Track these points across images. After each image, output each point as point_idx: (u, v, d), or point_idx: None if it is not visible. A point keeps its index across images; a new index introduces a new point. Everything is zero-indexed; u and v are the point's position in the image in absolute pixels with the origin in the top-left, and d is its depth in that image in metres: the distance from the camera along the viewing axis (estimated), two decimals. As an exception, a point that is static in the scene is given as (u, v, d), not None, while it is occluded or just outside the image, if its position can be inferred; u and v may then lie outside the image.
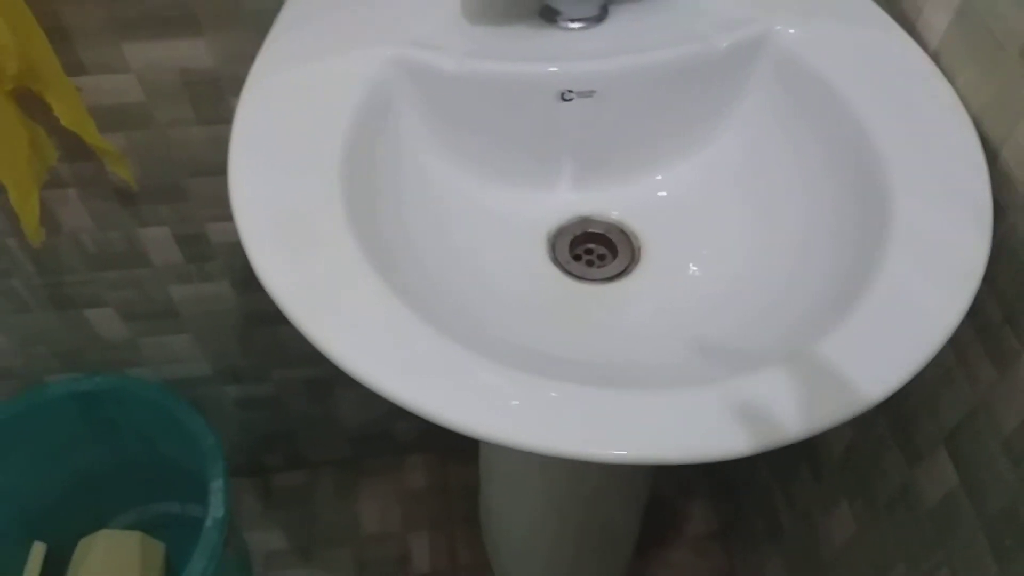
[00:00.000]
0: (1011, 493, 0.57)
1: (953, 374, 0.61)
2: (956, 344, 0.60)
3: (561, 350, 0.56)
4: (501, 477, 0.89)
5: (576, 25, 0.64)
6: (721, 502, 1.21)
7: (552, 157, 0.66)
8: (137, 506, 1.15)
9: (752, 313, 0.57)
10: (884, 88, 0.58)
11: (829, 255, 0.56)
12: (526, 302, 0.62)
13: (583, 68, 0.61)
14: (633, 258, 0.64)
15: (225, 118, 0.75)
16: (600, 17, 0.64)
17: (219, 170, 0.54)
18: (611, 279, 0.63)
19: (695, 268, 0.63)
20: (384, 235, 0.54)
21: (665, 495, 1.22)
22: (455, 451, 1.26)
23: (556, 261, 0.64)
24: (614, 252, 0.65)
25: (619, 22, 0.64)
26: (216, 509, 0.90)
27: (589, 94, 0.62)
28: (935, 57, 0.60)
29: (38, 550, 1.05)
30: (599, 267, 0.64)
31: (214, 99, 0.75)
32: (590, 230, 0.66)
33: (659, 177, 0.66)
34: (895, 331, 0.46)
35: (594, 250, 0.65)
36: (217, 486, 0.92)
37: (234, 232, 0.50)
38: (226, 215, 0.52)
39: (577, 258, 0.65)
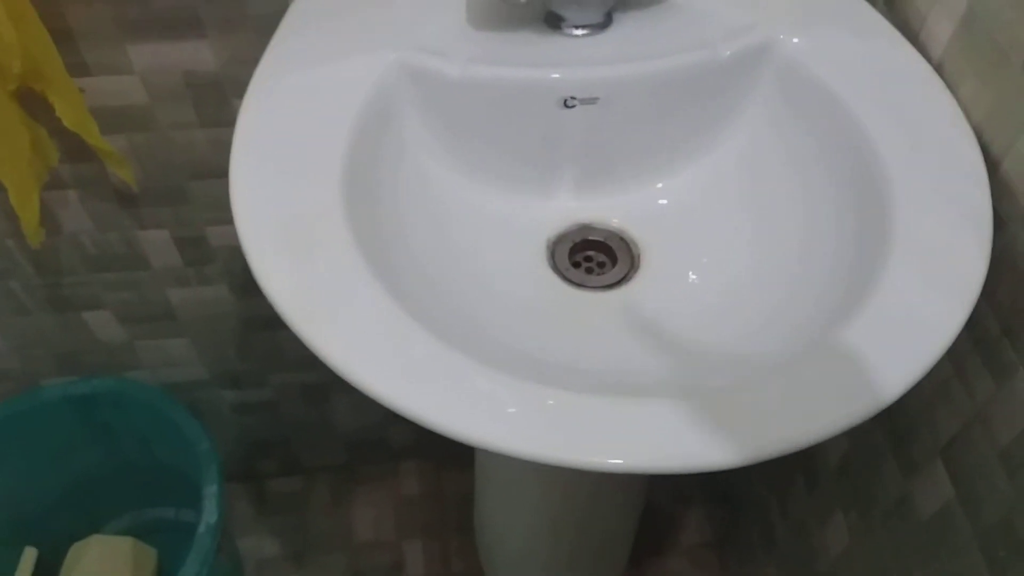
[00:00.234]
0: (1006, 505, 0.57)
1: (950, 386, 0.61)
2: (954, 356, 0.60)
3: (559, 357, 0.56)
4: (496, 485, 0.89)
5: (580, 32, 0.64)
6: (716, 511, 1.21)
7: (553, 164, 0.66)
8: (130, 511, 1.15)
9: (751, 322, 0.57)
10: (886, 98, 0.58)
11: (829, 264, 0.56)
12: (525, 309, 0.62)
13: (586, 75, 0.61)
14: (633, 266, 0.64)
15: (227, 121, 0.75)
16: (604, 24, 0.64)
17: (220, 173, 0.54)
18: (610, 287, 0.63)
19: (695, 276, 0.63)
20: (384, 240, 0.54)
21: (660, 504, 1.22)
22: (450, 458, 1.25)
23: (555, 268, 0.64)
24: (613, 260, 0.65)
25: (623, 29, 0.65)
26: (210, 514, 0.90)
27: (592, 101, 0.62)
28: (938, 67, 0.60)
29: (29, 555, 1.04)
30: (598, 274, 0.64)
31: (217, 102, 0.75)
32: (590, 237, 0.66)
33: (660, 185, 0.67)
34: (893, 342, 0.46)
35: (593, 257, 0.65)
36: (211, 491, 0.91)
37: (234, 236, 0.50)
38: (226, 219, 0.52)
39: (576, 265, 0.65)
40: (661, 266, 0.64)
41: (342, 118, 0.56)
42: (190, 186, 0.82)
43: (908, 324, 0.47)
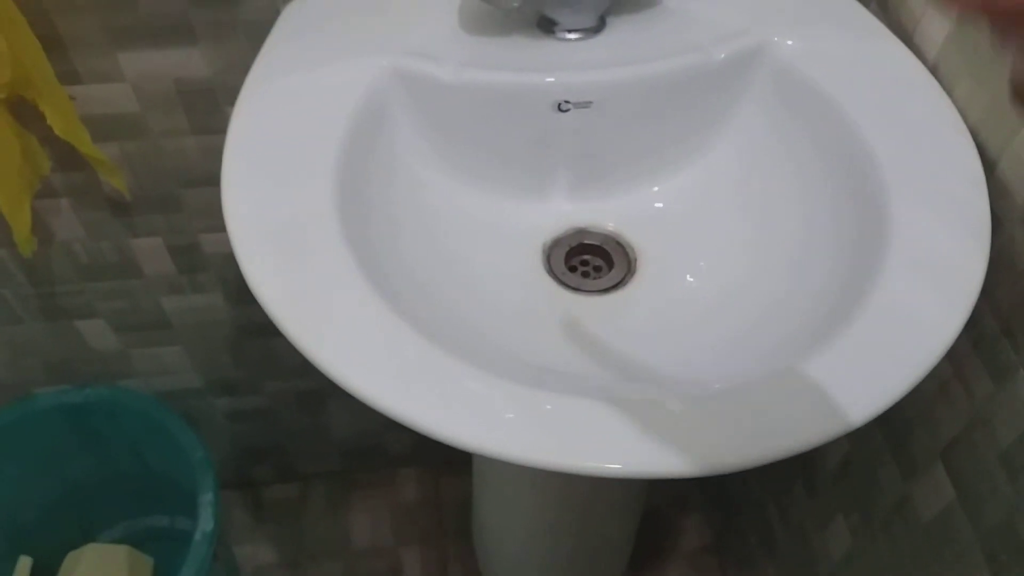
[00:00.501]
0: (1008, 507, 0.56)
1: (950, 387, 0.61)
2: (953, 357, 0.59)
3: (556, 362, 0.56)
4: (494, 490, 0.89)
5: (573, 36, 0.64)
6: (716, 515, 1.21)
7: (548, 168, 0.66)
8: (125, 520, 1.14)
9: (748, 325, 0.57)
10: (882, 100, 0.58)
11: (826, 267, 0.55)
12: (521, 313, 0.61)
13: (580, 79, 0.61)
14: (629, 269, 0.64)
15: (219, 128, 0.75)
16: (597, 28, 0.64)
17: (213, 180, 0.54)
18: (607, 291, 0.63)
19: (691, 280, 0.63)
20: (378, 245, 0.54)
21: (659, 508, 1.22)
22: (447, 464, 1.25)
23: (551, 272, 0.64)
24: (610, 263, 0.65)
25: (616, 33, 0.64)
26: (205, 523, 0.89)
27: (586, 105, 0.62)
28: (933, 69, 0.60)
29: (24, 564, 1.04)
30: (595, 278, 0.64)
31: (209, 109, 0.74)
32: (586, 241, 0.65)
33: (655, 188, 0.66)
34: (892, 344, 0.46)
35: (590, 261, 0.65)
36: (206, 499, 0.91)
37: (227, 243, 0.50)
38: (219, 226, 0.51)
39: (573, 269, 0.64)
40: (658, 270, 0.64)
41: (334, 124, 0.56)
42: (183, 194, 0.82)
43: (907, 326, 0.47)
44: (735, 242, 0.62)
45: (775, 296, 0.58)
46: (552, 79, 0.61)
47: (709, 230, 0.64)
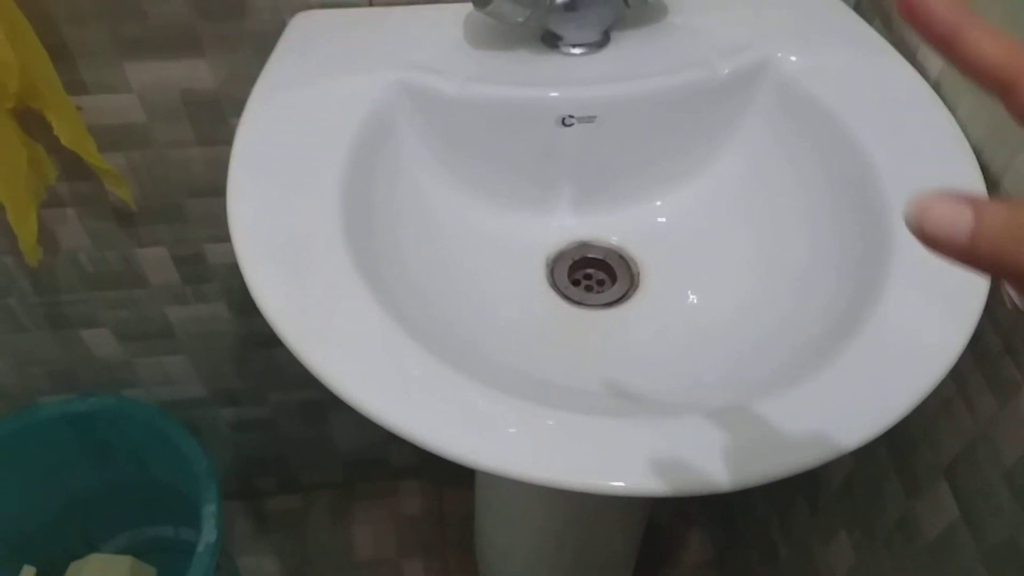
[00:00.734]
0: (1012, 526, 0.56)
1: (953, 404, 0.61)
2: (956, 374, 0.59)
3: (559, 376, 0.56)
4: (497, 504, 0.89)
5: (578, 51, 0.64)
6: (718, 530, 1.20)
7: (552, 182, 0.66)
8: (129, 529, 1.14)
9: (752, 341, 0.57)
10: (885, 117, 0.58)
11: (829, 284, 0.55)
12: (524, 327, 0.61)
13: (584, 94, 0.61)
14: (632, 284, 0.64)
15: (225, 139, 0.75)
16: (602, 43, 0.64)
17: (218, 191, 0.54)
18: (610, 305, 0.63)
19: (694, 294, 0.63)
20: (382, 258, 0.54)
21: (662, 523, 1.21)
22: (451, 477, 1.25)
23: (555, 286, 0.64)
24: (613, 278, 0.65)
25: (621, 48, 0.65)
26: (208, 533, 0.89)
27: (590, 119, 0.62)
28: (936, 86, 0.60)
29: (27, 573, 1.03)
30: (598, 292, 0.64)
31: (215, 120, 0.75)
32: (589, 255, 0.65)
33: (659, 203, 0.66)
34: (896, 362, 0.46)
35: (593, 275, 0.65)
36: (210, 510, 0.91)
37: (232, 254, 0.50)
38: (224, 236, 0.52)
39: (576, 283, 0.64)
40: (661, 284, 0.64)
41: (340, 136, 0.56)
42: (188, 204, 0.82)
43: (910, 344, 0.47)
44: (738, 257, 0.62)
45: (778, 312, 0.57)
46: (556, 94, 0.61)
47: (712, 245, 0.64)
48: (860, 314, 0.49)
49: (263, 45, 0.65)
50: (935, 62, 0.60)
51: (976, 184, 0.53)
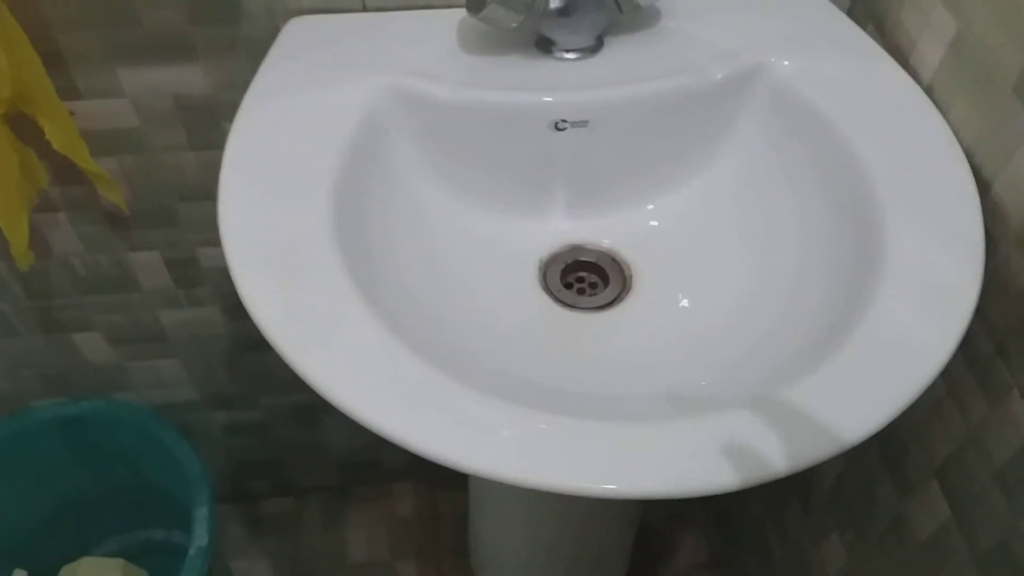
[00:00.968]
0: (1003, 527, 0.56)
1: (944, 406, 0.61)
2: (947, 376, 0.60)
3: (551, 380, 0.56)
4: (491, 506, 0.89)
5: (571, 56, 0.64)
6: (712, 532, 1.21)
7: (545, 186, 0.66)
8: (121, 533, 1.14)
9: (744, 344, 0.57)
10: (878, 121, 0.58)
11: (821, 287, 0.56)
12: (516, 330, 0.61)
13: (577, 98, 0.62)
14: (624, 287, 0.64)
15: (218, 144, 0.74)
16: (595, 48, 0.65)
17: (211, 195, 0.54)
18: (602, 308, 0.63)
19: (687, 298, 0.63)
20: (373, 263, 0.54)
21: (656, 525, 1.21)
22: (444, 479, 1.25)
23: (547, 289, 0.64)
24: (606, 281, 0.65)
25: (614, 53, 0.65)
26: (200, 537, 0.89)
27: (583, 124, 0.62)
28: (928, 90, 0.60)
29: (19, 577, 1.03)
30: (590, 296, 0.64)
31: (208, 125, 0.75)
32: (581, 258, 0.66)
33: (651, 207, 0.67)
34: (887, 364, 0.46)
35: (585, 278, 0.65)
36: (202, 513, 0.90)
37: (224, 258, 0.50)
38: (217, 240, 0.51)
39: (568, 286, 0.64)
40: (653, 287, 0.64)
41: (332, 141, 0.56)
42: (180, 208, 0.82)
43: (901, 346, 0.47)
44: (730, 260, 0.63)
45: (770, 316, 0.58)
46: (550, 98, 0.61)
47: (705, 248, 0.64)
48: (852, 316, 0.49)
49: (256, 50, 0.65)
50: (928, 66, 0.61)
51: (968, 187, 0.54)
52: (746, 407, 0.45)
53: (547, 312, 0.63)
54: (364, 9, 0.67)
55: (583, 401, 0.54)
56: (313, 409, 1.09)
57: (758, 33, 0.65)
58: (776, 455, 0.43)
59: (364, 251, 0.54)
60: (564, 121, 0.62)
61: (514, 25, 0.60)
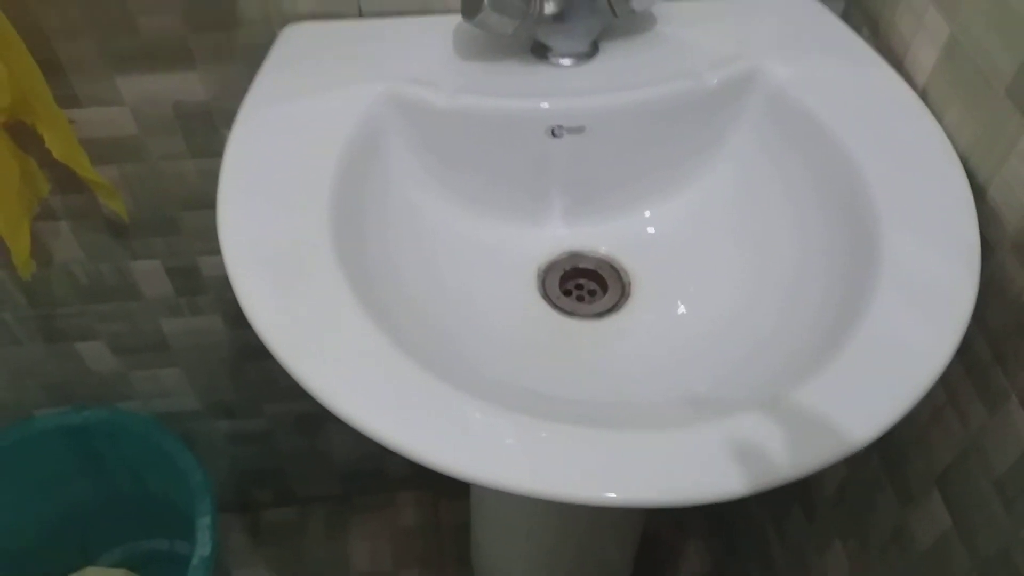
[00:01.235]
0: (1003, 535, 0.56)
1: (943, 413, 0.61)
2: (946, 382, 0.59)
3: (550, 388, 0.56)
4: (493, 515, 0.88)
5: (567, 62, 0.64)
6: (715, 541, 1.20)
7: (542, 192, 0.66)
8: (124, 542, 1.14)
9: (742, 351, 0.57)
10: (873, 125, 0.58)
11: (818, 293, 0.55)
12: (515, 338, 0.61)
13: (573, 104, 0.62)
14: (623, 293, 0.64)
15: (218, 151, 0.74)
16: (591, 54, 0.65)
17: (211, 203, 0.54)
18: (601, 315, 0.63)
19: (685, 304, 0.63)
20: (372, 271, 0.54)
21: (659, 533, 1.21)
22: (447, 489, 1.24)
23: (546, 296, 0.64)
24: (604, 287, 0.65)
25: (610, 59, 0.65)
26: (203, 547, 0.89)
27: (579, 130, 0.62)
28: (923, 95, 0.60)
29: (22, 586, 1.03)
30: (589, 302, 0.64)
31: (207, 132, 0.75)
32: (580, 265, 0.65)
33: (648, 213, 0.67)
34: (884, 370, 0.46)
35: (584, 285, 0.65)
36: (204, 523, 0.90)
37: (225, 266, 0.50)
38: (218, 249, 0.52)
39: (567, 293, 0.64)
40: (651, 294, 0.64)
41: (330, 148, 0.56)
42: (181, 216, 0.82)
43: (898, 352, 0.47)
44: (728, 266, 0.62)
45: (768, 322, 0.57)
46: (546, 105, 0.61)
47: (702, 254, 0.64)
48: (849, 322, 0.49)
49: (254, 57, 0.65)
50: (922, 70, 0.61)
51: (963, 191, 0.54)
52: (746, 413, 0.45)
53: (546, 319, 0.63)
54: (360, 15, 0.67)
55: (583, 408, 0.54)
56: (316, 418, 1.09)
57: (752, 38, 0.65)
58: (777, 461, 0.42)
59: (363, 258, 0.54)
60: (560, 127, 0.62)
61: (509, 31, 0.60)
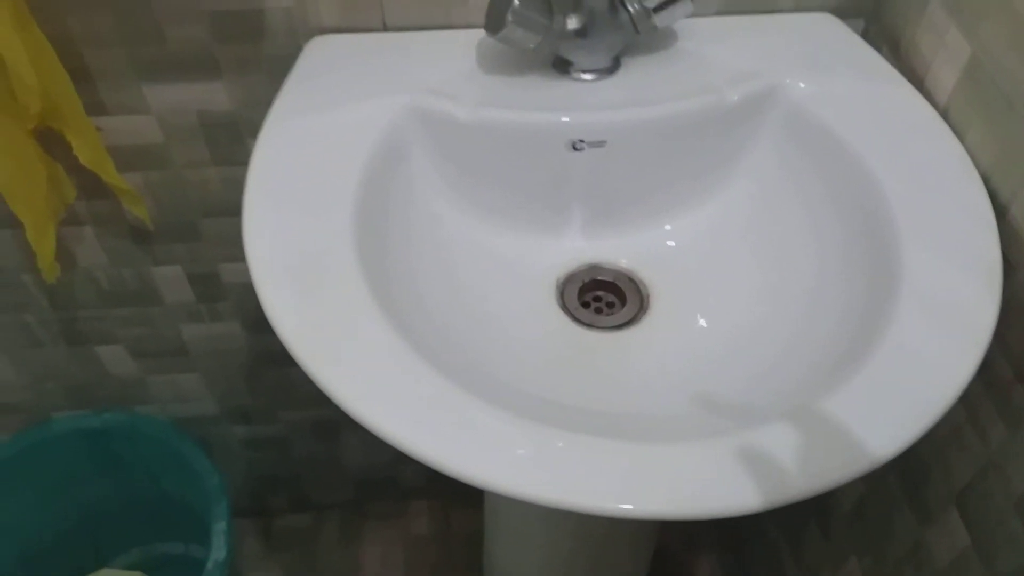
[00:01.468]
0: (1022, 555, 0.56)
1: (963, 432, 0.61)
2: (966, 401, 0.59)
3: (568, 398, 0.56)
4: (506, 525, 0.88)
5: (588, 76, 0.64)
6: (728, 557, 1.20)
7: (562, 205, 0.66)
8: (139, 545, 1.14)
9: (761, 365, 0.57)
10: (893, 143, 0.58)
11: (838, 309, 0.55)
12: (534, 349, 0.61)
13: (594, 119, 0.62)
14: (642, 306, 0.64)
15: (241, 160, 0.76)
16: (612, 69, 0.65)
17: (233, 211, 0.55)
18: (619, 327, 0.63)
19: (703, 318, 0.63)
20: (394, 279, 0.55)
21: (671, 548, 1.20)
22: (460, 497, 1.24)
23: (565, 308, 0.64)
24: (623, 300, 0.65)
25: (631, 74, 0.65)
26: (218, 551, 0.89)
27: (600, 144, 0.62)
28: (944, 113, 0.60)
29: (38, 588, 1.04)
30: (607, 315, 0.64)
31: (231, 141, 0.76)
32: (599, 277, 0.66)
33: (668, 227, 0.67)
34: (904, 388, 0.46)
35: (603, 298, 0.65)
36: (220, 527, 0.91)
37: (246, 273, 0.50)
38: (239, 256, 0.52)
39: (586, 305, 0.65)
40: (670, 307, 0.64)
41: (354, 159, 0.57)
42: (203, 223, 0.83)
43: (919, 370, 0.47)
44: (747, 281, 0.63)
45: (787, 336, 0.57)
46: (567, 119, 0.62)
47: (721, 268, 0.64)
48: (869, 339, 0.49)
49: (279, 68, 0.66)
50: (943, 89, 0.61)
51: (984, 211, 0.54)
52: (764, 428, 0.45)
53: (565, 330, 0.63)
54: (384, 28, 0.68)
55: (600, 419, 0.54)
56: (332, 425, 1.09)
57: (773, 55, 0.65)
58: (793, 478, 0.42)
59: (385, 267, 0.54)
60: (581, 141, 0.62)
61: (532, 46, 0.60)
